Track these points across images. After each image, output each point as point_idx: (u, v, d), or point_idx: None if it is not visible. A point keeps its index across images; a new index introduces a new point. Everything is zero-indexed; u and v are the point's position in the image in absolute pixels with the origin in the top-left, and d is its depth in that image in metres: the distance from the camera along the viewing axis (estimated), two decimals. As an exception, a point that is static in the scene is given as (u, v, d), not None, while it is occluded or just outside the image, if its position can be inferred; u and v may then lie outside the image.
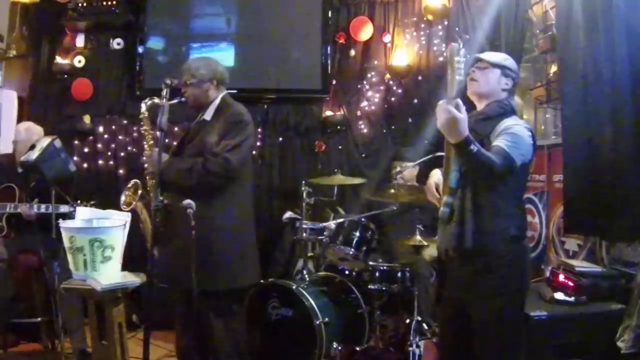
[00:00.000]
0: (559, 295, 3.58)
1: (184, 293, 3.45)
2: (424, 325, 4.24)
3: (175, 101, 3.43)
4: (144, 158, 3.55)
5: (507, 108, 2.76)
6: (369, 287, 4.32)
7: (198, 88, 3.55)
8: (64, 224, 3.27)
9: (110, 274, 3.22)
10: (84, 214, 3.47)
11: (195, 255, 3.16)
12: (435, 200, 2.87)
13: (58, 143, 3.82)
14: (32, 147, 3.90)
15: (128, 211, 3.35)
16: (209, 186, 3.44)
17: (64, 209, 4.07)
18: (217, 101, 3.59)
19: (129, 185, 3.58)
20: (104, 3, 5.46)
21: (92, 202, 4.12)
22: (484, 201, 2.65)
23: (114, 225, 3.29)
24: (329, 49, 5.66)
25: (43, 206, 4.18)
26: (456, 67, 2.35)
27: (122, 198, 3.56)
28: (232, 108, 3.57)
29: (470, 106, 2.82)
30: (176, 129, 5.40)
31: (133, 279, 3.28)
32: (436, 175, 2.91)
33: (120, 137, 5.67)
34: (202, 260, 3.29)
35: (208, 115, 3.56)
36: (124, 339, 3.33)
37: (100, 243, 3.18)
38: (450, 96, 2.37)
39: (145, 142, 3.57)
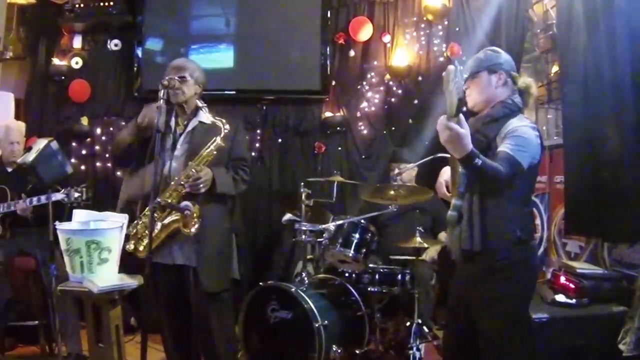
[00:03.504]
0: (560, 298, 3.57)
1: (179, 295, 3.50)
2: (425, 328, 4.22)
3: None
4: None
5: (513, 107, 2.71)
6: (369, 289, 4.29)
7: (193, 88, 3.56)
8: (60, 226, 3.24)
9: (107, 276, 3.20)
10: (81, 215, 3.44)
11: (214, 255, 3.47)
12: (446, 198, 2.85)
13: (55, 145, 3.79)
14: (29, 148, 3.87)
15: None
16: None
17: (56, 196, 4.03)
18: (200, 104, 3.58)
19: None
20: (101, 4, 5.43)
21: (83, 186, 4.08)
22: (490, 204, 2.63)
23: (111, 227, 3.26)
24: (328, 49, 5.64)
25: (35, 198, 4.14)
26: (453, 88, 2.31)
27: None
28: (224, 117, 3.59)
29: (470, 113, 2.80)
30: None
31: (130, 281, 3.26)
32: (446, 174, 2.89)
33: (118, 139, 5.62)
34: (216, 260, 3.52)
35: (205, 119, 3.55)
36: (121, 342, 3.31)
37: (97, 245, 3.16)
38: (451, 114, 2.34)
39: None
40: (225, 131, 3.44)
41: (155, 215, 3.39)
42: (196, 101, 3.57)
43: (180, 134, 3.55)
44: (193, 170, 3.37)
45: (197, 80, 3.58)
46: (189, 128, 3.54)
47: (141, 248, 3.40)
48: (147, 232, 3.38)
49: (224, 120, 3.47)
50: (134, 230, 3.46)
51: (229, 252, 3.75)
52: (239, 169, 3.64)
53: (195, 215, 3.33)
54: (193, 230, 3.32)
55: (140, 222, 3.44)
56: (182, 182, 3.37)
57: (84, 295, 3.19)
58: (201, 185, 3.37)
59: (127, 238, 3.47)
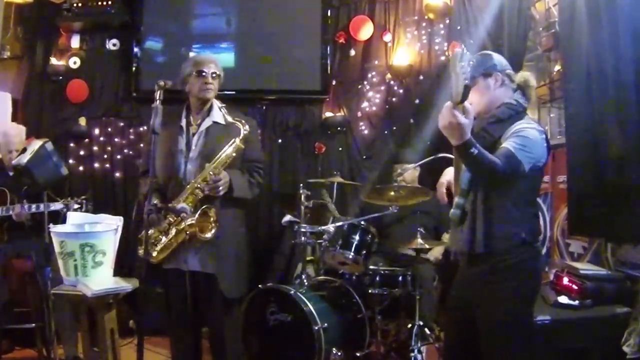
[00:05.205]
0: (563, 299, 3.54)
1: (192, 302, 3.44)
2: (426, 330, 4.18)
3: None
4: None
5: (518, 108, 2.70)
6: (370, 291, 4.26)
7: (218, 86, 3.51)
8: (54, 228, 3.20)
9: (101, 279, 3.17)
10: (76, 218, 3.41)
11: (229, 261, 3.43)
12: (443, 201, 2.86)
13: (50, 146, 3.74)
14: (24, 150, 3.83)
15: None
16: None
17: (55, 206, 4.00)
18: (217, 104, 3.51)
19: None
20: (99, 3, 5.39)
21: (83, 197, 4.04)
22: (494, 205, 2.61)
23: (105, 229, 3.23)
24: (328, 48, 5.63)
25: (34, 205, 4.11)
26: (461, 72, 2.27)
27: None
28: (240, 116, 3.52)
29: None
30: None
31: (125, 285, 3.22)
32: (449, 174, 2.87)
33: (116, 140, 5.62)
34: (234, 265, 3.48)
35: (219, 118, 3.45)
36: (116, 346, 3.28)
37: (91, 248, 3.13)
38: (456, 101, 2.30)
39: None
40: (245, 132, 3.36)
41: (171, 220, 3.34)
42: (213, 100, 3.50)
43: (193, 134, 3.46)
44: (211, 173, 3.30)
45: (220, 80, 3.53)
46: (203, 128, 3.45)
47: (154, 254, 3.34)
48: (160, 236, 3.35)
49: (243, 121, 3.39)
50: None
51: (246, 257, 3.66)
52: (254, 171, 3.56)
53: (212, 219, 3.28)
54: (209, 235, 3.27)
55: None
56: (199, 185, 3.29)
57: (78, 299, 3.16)
58: (220, 188, 3.30)
59: (139, 243, 3.39)
